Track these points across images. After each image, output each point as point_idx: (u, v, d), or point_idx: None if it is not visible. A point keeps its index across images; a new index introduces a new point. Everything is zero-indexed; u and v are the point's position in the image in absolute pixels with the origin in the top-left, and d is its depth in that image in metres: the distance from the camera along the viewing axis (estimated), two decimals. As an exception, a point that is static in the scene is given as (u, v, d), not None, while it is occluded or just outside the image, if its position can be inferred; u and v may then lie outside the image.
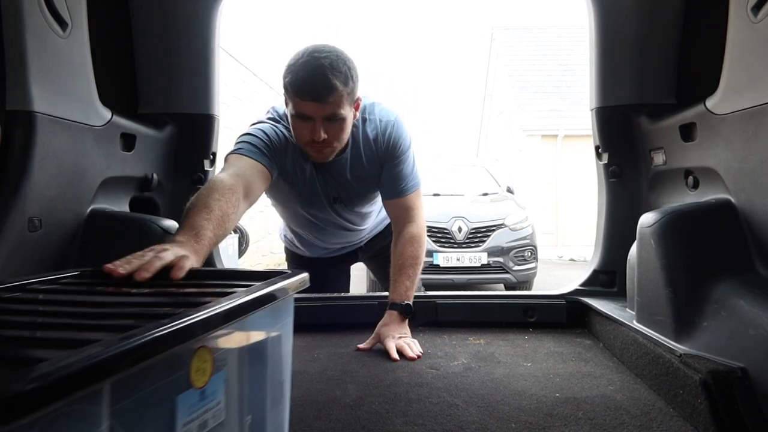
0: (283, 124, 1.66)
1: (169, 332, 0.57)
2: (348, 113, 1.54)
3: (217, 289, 0.83)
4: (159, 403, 0.61)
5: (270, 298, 0.81)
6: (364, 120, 1.70)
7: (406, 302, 1.72)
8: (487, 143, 19.62)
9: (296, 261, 2.26)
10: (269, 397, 0.87)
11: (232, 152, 1.58)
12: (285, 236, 2.27)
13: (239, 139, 1.63)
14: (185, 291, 0.88)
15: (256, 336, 0.85)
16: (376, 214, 2.08)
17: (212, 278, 0.98)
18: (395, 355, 1.64)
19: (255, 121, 1.73)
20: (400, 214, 1.79)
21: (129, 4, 1.99)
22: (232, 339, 0.77)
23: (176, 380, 0.63)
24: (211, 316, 0.65)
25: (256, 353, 0.84)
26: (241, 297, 0.74)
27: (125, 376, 0.51)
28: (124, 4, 1.99)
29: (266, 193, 1.75)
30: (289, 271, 0.94)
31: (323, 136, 1.51)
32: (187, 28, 2.05)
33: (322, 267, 2.18)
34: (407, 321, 1.76)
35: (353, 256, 2.27)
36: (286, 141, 1.65)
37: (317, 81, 1.45)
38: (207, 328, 0.65)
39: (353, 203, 1.84)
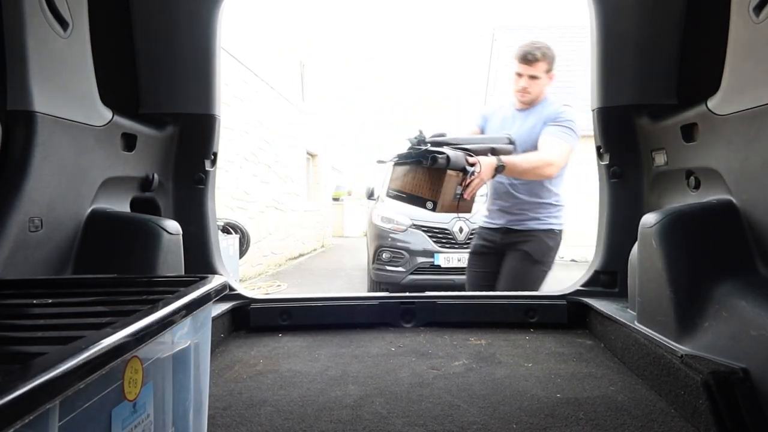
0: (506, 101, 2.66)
1: (116, 342, 0.56)
2: (543, 78, 2.51)
3: (143, 297, 0.81)
4: (96, 418, 0.59)
5: (200, 302, 0.80)
6: (549, 101, 2.59)
7: (503, 163, 2.24)
8: (488, 144, 19.55)
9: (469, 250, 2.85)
10: (192, 407, 0.85)
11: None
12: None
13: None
14: (113, 299, 0.86)
15: (181, 344, 0.83)
16: (527, 200, 2.56)
17: (128, 285, 0.97)
18: (473, 161, 2.16)
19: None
20: (542, 144, 2.41)
21: (130, 4, 1.99)
22: (160, 347, 0.75)
23: (111, 393, 0.61)
24: (149, 323, 0.64)
25: (180, 362, 0.82)
26: (173, 303, 0.73)
27: (74, 391, 0.50)
28: (125, 4, 1.99)
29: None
30: (207, 276, 0.93)
31: (525, 86, 2.51)
32: (188, 29, 2.05)
33: (475, 257, 2.78)
34: (494, 170, 2.24)
35: (496, 244, 2.65)
36: (500, 105, 2.71)
37: (529, 53, 2.47)
38: (148, 336, 0.63)
39: (519, 145, 2.44)
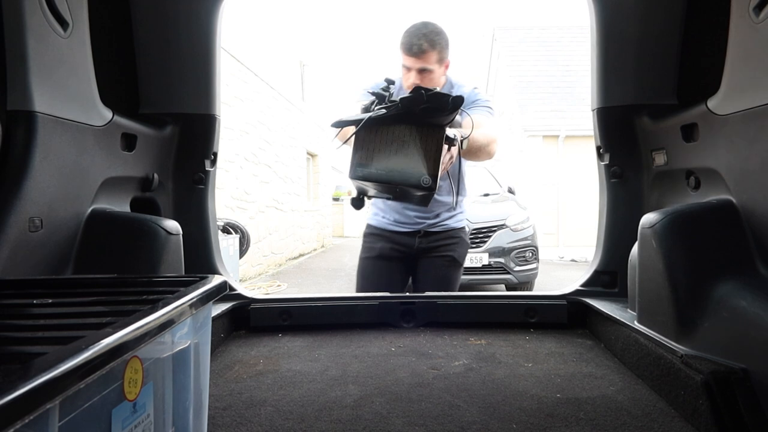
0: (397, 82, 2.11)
1: (116, 342, 0.56)
2: (436, 69, 2.08)
3: (143, 296, 0.82)
4: (96, 418, 0.59)
5: (200, 302, 0.81)
6: (456, 84, 2.22)
7: (466, 137, 1.78)
8: (488, 144, 19.58)
9: (366, 255, 2.40)
10: (192, 407, 0.86)
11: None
12: (375, 208, 2.43)
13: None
14: (113, 299, 0.86)
15: (181, 344, 0.83)
16: (446, 191, 2.26)
17: (128, 285, 0.97)
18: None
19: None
20: (483, 121, 2.02)
21: (130, 4, 1.99)
22: (160, 347, 0.76)
23: (111, 393, 0.62)
24: (149, 323, 0.64)
25: (180, 362, 0.83)
26: (173, 303, 0.73)
27: (74, 391, 0.50)
28: (125, 4, 1.99)
29: None
30: (207, 276, 0.94)
31: (417, 82, 2.04)
32: (188, 28, 2.05)
33: (384, 264, 2.35)
34: (455, 145, 1.72)
35: (411, 249, 2.32)
36: (398, 87, 2.14)
37: (416, 43, 2.03)
38: (148, 336, 0.64)
39: None
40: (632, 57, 1.98)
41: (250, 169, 9.81)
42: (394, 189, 1.58)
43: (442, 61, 2.09)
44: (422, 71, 2.06)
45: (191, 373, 0.85)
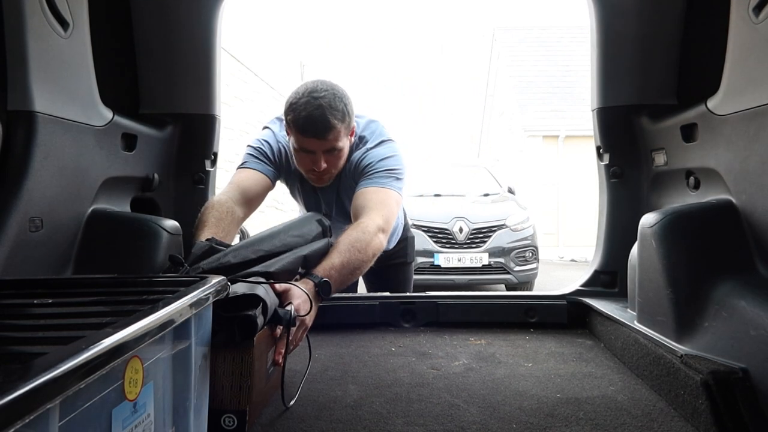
0: (286, 134, 1.77)
1: (116, 342, 0.57)
2: (345, 144, 1.70)
3: (143, 296, 0.82)
4: (97, 418, 0.59)
5: (200, 302, 0.81)
6: (360, 141, 1.80)
7: (324, 279, 1.36)
8: (488, 144, 19.61)
9: None
10: (192, 407, 0.86)
11: (238, 166, 1.79)
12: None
13: (245, 151, 1.82)
14: (113, 299, 0.87)
15: (181, 344, 0.83)
16: None
17: (128, 285, 0.97)
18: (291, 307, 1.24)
19: (263, 126, 1.91)
20: (363, 203, 1.62)
21: (130, 5, 1.99)
22: (160, 347, 0.76)
23: (111, 393, 0.62)
24: (149, 323, 0.64)
25: (180, 362, 0.83)
26: (173, 303, 0.73)
27: (74, 391, 0.50)
28: (125, 4, 1.99)
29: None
30: (207, 276, 0.94)
31: (324, 166, 1.67)
32: (189, 29, 2.05)
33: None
34: (317, 298, 1.34)
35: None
36: (288, 149, 1.80)
37: (318, 121, 1.58)
38: (148, 336, 0.64)
39: (344, 216, 1.87)
40: (632, 57, 1.98)
41: (250, 169, 9.81)
42: None
43: (349, 128, 1.68)
44: (331, 152, 1.64)
45: (191, 373, 0.85)
